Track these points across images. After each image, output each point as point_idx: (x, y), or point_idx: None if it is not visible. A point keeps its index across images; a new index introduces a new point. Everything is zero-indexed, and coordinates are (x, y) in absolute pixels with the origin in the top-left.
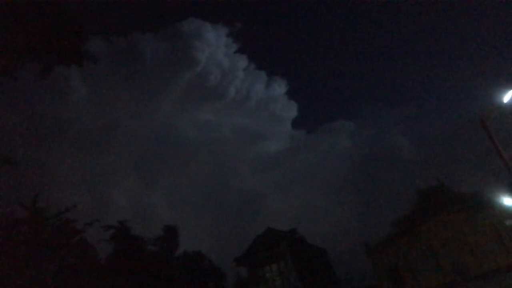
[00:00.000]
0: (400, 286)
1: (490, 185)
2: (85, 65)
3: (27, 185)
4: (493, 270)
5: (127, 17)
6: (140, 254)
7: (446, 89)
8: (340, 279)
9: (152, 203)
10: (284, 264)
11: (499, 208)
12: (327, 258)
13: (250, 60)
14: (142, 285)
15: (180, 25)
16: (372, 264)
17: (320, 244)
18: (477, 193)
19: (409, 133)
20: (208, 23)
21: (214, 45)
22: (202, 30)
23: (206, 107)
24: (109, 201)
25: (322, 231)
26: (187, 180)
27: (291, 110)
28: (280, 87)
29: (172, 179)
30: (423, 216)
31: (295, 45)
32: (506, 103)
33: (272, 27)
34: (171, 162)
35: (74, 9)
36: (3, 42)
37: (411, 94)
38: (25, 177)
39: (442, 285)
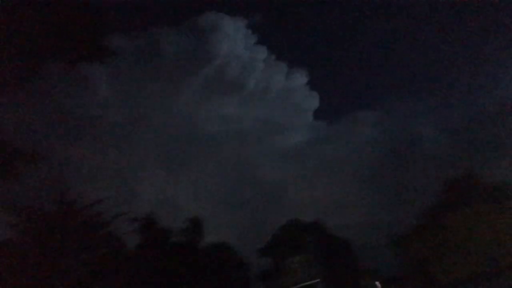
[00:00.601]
0: (429, 278)
1: None
2: (107, 61)
3: (56, 179)
4: None
5: (146, 12)
6: (166, 245)
7: (476, 75)
8: (365, 271)
9: (176, 195)
10: (308, 255)
11: None
12: (352, 249)
13: (270, 51)
14: (169, 275)
15: (199, 18)
16: (399, 256)
17: (345, 235)
18: (508, 183)
19: (436, 122)
20: (227, 15)
21: (233, 38)
22: (221, 23)
23: (227, 100)
24: (134, 194)
25: (347, 223)
26: (210, 173)
27: (313, 101)
28: (301, 78)
29: (195, 171)
30: (452, 207)
31: (316, 34)
32: None
33: (292, 16)
34: (194, 154)
35: (95, 6)
36: (29, 41)
37: (438, 81)
38: (54, 171)
39: (471, 277)
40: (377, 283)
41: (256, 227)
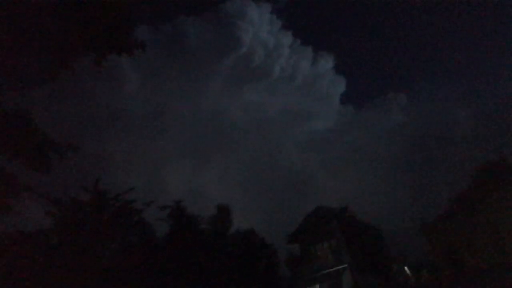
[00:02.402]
0: (459, 265)
1: None
2: (135, 53)
3: (89, 169)
4: None
5: (171, 1)
6: (195, 232)
7: (507, 58)
8: (394, 257)
9: (205, 183)
10: (336, 241)
11: None
12: (380, 235)
13: (295, 36)
14: (198, 261)
15: (223, 5)
16: (429, 243)
17: (373, 222)
18: None
19: (467, 106)
20: (251, 1)
21: (258, 24)
22: (245, 9)
23: (252, 87)
24: (164, 183)
25: (376, 210)
26: (237, 161)
27: (339, 86)
28: (327, 62)
29: (222, 160)
30: (484, 192)
31: (342, 17)
32: None
33: (317, 1)
34: (221, 143)
35: None
36: (60, 35)
37: (469, 64)
38: (86, 162)
39: (504, 265)
40: (406, 268)
41: (284, 214)
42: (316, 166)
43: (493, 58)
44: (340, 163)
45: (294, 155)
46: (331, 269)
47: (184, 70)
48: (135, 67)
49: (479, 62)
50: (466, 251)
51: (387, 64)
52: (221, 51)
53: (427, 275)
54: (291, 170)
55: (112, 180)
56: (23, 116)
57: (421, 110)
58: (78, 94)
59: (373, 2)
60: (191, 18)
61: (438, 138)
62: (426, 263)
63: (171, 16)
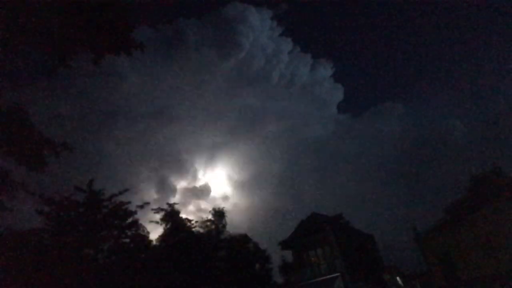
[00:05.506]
0: (452, 275)
1: None
2: (133, 53)
3: (83, 169)
4: None
5: (171, 3)
6: (188, 235)
7: (503, 68)
8: (387, 265)
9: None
10: (329, 248)
11: None
12: (374, 244)
13: (295, 43)
14: (191, 265)
15: (224, 9)
16: (422, 251)
17: (367, 230)
18: None
19: (462, 115)
20: (252, 6)
21: (259, 29)
22: (246, 14)
23: (250, 92)
24: (158, 185)
25: (370, 217)
26: (232, 165)
27: (337, 94)
28: (325, 70)
29: (218, 164)
30: (478, 202)
31: (341, 26)
32: None
33: (317, 7)
34: (217, 146)
35: None
36: (58, 33)
37: (464, 73)
38: (81, 161)
39: (497, 275)
40: (397, 278)
41: (279, 220)
42: (312, 172)
43: (489, 68)
44: (336, 171)
45: (290, 161)
46: (324, 277)
47: (183, 72)
48: (134, 67)
49: (475, 72)
50: (460, 261)
51: (384, 73)
52: (220, 54)
53: (420, 285)
54: (287, 176)
55: (108, 181)
56: (18, 113)
57: (417, 119)
58: (75, 93)
59: (373, 12)
60: (191, 21)
61: (434, 148)
62: (419, 272)
63: (171, 18)
